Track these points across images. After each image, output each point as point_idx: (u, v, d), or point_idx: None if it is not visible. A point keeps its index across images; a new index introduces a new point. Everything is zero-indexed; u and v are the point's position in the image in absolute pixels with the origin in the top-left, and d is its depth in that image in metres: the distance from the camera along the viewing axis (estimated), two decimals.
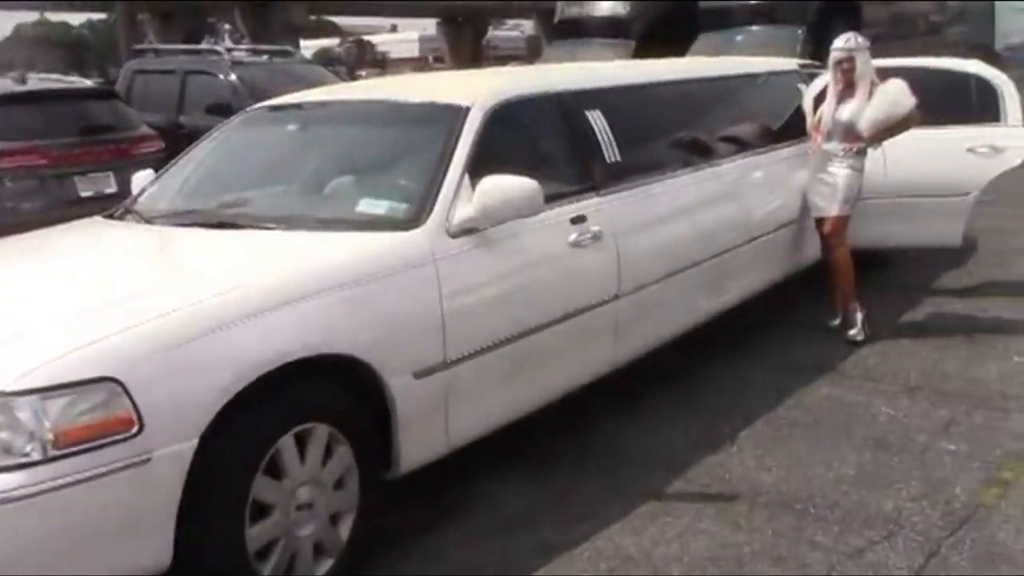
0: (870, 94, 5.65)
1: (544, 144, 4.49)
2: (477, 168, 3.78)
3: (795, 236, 5.96)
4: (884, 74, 5.76)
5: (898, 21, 13.80)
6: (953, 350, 5.49)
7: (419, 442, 3.51)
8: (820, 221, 5.88)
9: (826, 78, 5.95)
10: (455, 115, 3.97)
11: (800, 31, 11.90)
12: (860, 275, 5.91)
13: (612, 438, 4.46)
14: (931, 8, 15.21)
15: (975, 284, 6.91)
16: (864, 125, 5.64)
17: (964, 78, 6.46)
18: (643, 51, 12.77)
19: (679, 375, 5.16)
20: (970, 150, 6.14)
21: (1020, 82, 15.14)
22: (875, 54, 5.94)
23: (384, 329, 3.31)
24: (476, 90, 4.22)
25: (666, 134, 5.32)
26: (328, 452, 3.21)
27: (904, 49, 10.85)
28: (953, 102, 6.33)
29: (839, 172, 5.73)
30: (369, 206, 3.79)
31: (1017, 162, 6.14)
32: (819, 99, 5.95)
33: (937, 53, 10.47)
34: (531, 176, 3.76)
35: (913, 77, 5.80)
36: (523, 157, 4.22)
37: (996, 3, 16.17)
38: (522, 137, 4.33)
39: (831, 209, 5.77)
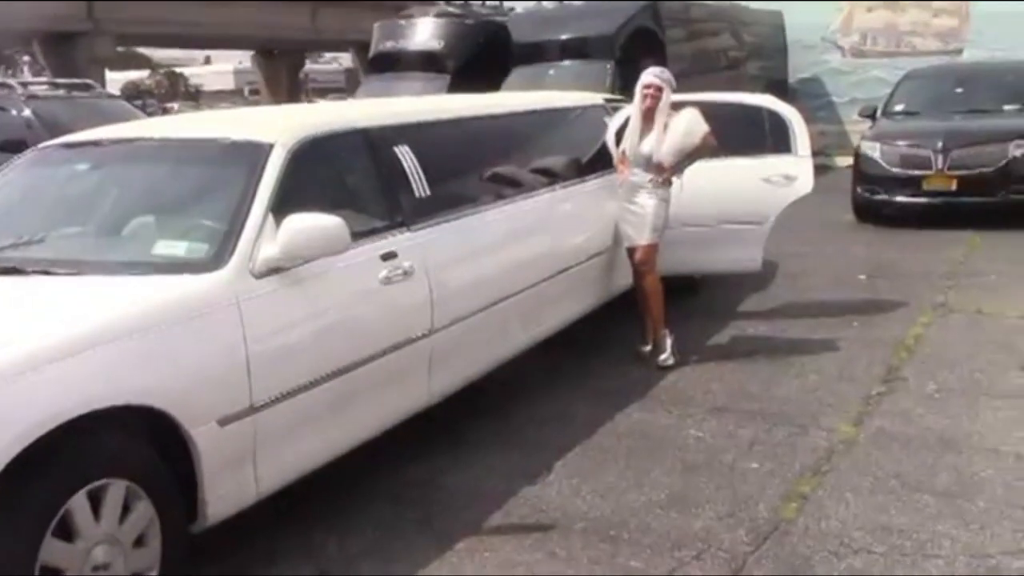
0: (665, 127, 5.89)
1: (352, 181, 4.45)
2: (282, 207, 3.71)
3: (607, 265, 6.14)
4: (683, 107, 6.01)
5: (701, 57, 14.47)
6: (756, 370, 5.77)
7: (227, 491, 3.39)
8: (631, 250, 6.07)
9: (628, 111, 6.16)
10: (258, 153, 3.89)
11: (608, 66, 12.30)
12: (670, 301, 6.13)
13: (430, 474, 4.43)
14: (731, 45, 16.04)
15: (775, 306, 7.30)
16: (663, 156, 5.87)
17: (758, 111, 6.83)
18: (458, 85, 12.93)
19: (497, 407, 5.20)
20: (765, 179, 6.49)
21: (813, 112, 16.17)
22: (681, 89, 6.22)
23: (184, 376, 3.19)
24: (280, 127, 4.16)
25: (478, 168, 5.38)
26: (127, 508, 3.06)
27: (707, 83, 11.44)
28: (749, 134, 6.68)
29: (647, 203, 5.94)
30: (167, 248, 3.66)
31: (808, 190, 6.52)
32: (621, 132, 6.15)
33: (738, 88, 11.10)
34: (340, 213, 3.74)
35: (712, 111, 6.08)
36: (330, 194, 4.18)
37: (788, 40, 17.24)
38: (329, 174, 4.28)
39: (641, 238, 5.97)
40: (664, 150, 5.86)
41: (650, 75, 5.98)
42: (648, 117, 5.92)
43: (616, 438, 4.82)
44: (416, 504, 4.15)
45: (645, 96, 5.92)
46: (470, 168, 5.31)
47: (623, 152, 6.04)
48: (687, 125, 5.86)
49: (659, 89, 5.90)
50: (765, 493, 4.13)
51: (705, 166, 6.05)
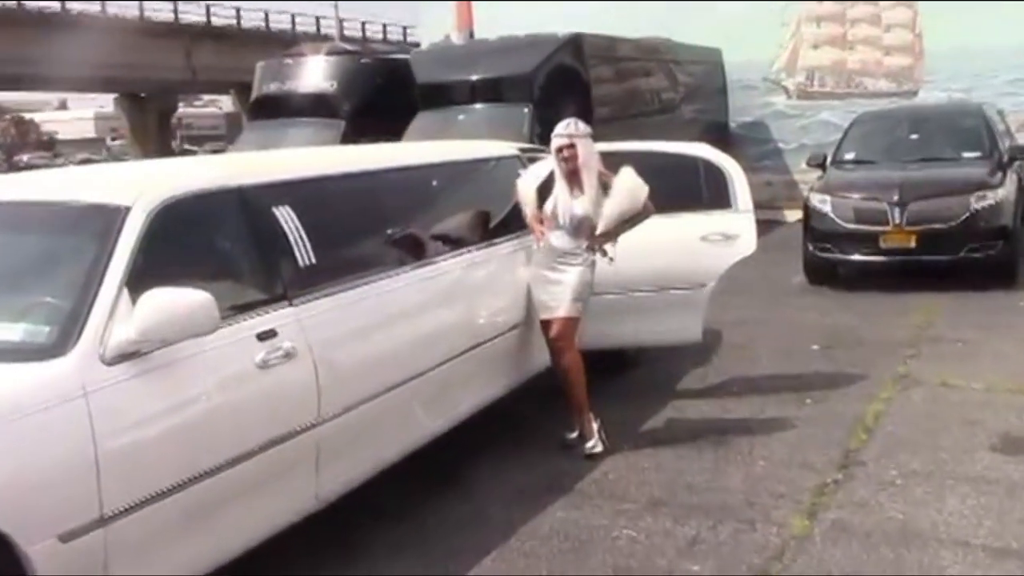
0: (606, 187, 5.97)
1: (224, 248, 4.43)
2: (140, 280, 3.68)
3: (524, 339, 6.15)
4: (609, 159, 6.12)
5: (630, 99, 14.78)
6: (698, 458, 5.82)
7: None
8: (546, 323, 6.06)
9: (547, 165, 6.24)
10: (112, 217, 3.85)
11: (526, 110, 12.49)
12: (599, 379, 6.17)
13: None
14: (664, 85, 16.44)
15: (719, 382, 7.40)
16: (605, 220, 5.95)
17: (693, 163, 6.98)
18: (355, 132, 13.01)
19: (401, 509, 5.15)
20: (703, 239, 6.62)
21: (758, 160, 16.52)
22: (609, 135, 6.31)
23: (18, 485, 3.11)
24: (139, 186, 4.11)
25: (374, 231, 5.39)
26: None
27: (637, 129, 11.67)
28: (683, 188, 6.82)
29: (570, 269, 5.99)
30: (1, 331, 3.58)
31: (751, 249, 6.67)
32: (543, 189, 6.17)
33: (672, 134, 11.33)
34: (209, 287, 3.73)
35: (641, 162, 6.18)
36: (198, 265, 4.15)
37: (728, 80, 17.75)
38: (196, 241, 4.26)
39: (559, 309, 5.98)
40: (607, 214, 5.95)
41: (560, 137, 6.00)
42: (573, 174, 6.00)
43: (538, 541, 4.80)
44: None
45: (564, 160, 5.97)
46: (365, 231, 5.31)
47: (550, 213, 6.03)
48: (632, 186, 5.95)
49: (573, 146, 5.96)
50: None
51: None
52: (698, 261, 6.66)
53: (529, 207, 6.20)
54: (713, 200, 6.77)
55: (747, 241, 6.64)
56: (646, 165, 6.18)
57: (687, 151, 7.19)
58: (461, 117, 12.86)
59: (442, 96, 13.27)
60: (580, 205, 5.95)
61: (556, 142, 6.02)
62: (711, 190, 6.82)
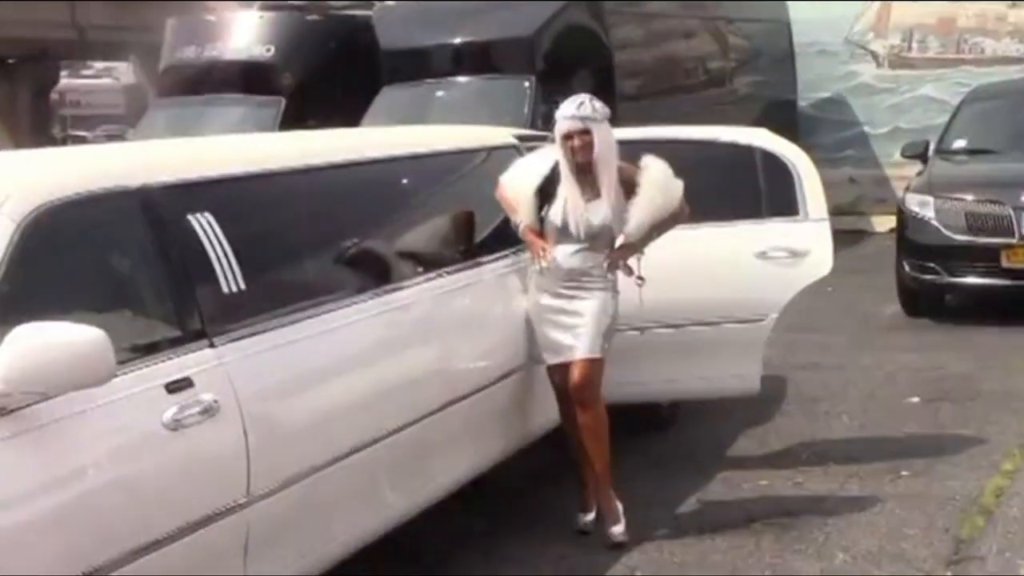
0: (629, 185, 6.00)
1: (121, 270, 4.45)
2: (6, 313, 3.68)
3: (522, 390, 6.19)
4: (633, 150, 6.14)
5: (665, 70, 14.82)
6: (755, 549, 5.82)
7: None
8: (561, 368, 6.07)
9: (549, 156, 6.23)
10: None
11: (528, 84, 12.52)
12: (625, 444, 6.19)
13: None
14: (711, 51, 16.47)
15: (784, 447, 7.43)
16: (633, 229, 6.01)
17: (748, 154, 7.02)
18: (299, 113, 13.05)
19: None
20: (762, 256, 6.65)
21: (836, 149, 16.42)
22: (637, 117, 6.31)
23: None
24: (5, 187, 4.12)
25: (323, 247, 5.43)
26: None
27: (675, 109, 11.71)
28: (735, 189, 6.87)
29: (589, 295, 6.01)
30: None
31: (826, 270, 6.68)
32: (545, 188, 6.13)
33: (721, 115, 11.36)
34: (101, 322, 3.72)
35: (678, 153, 6.23)
36: (86, 293, 4.16)
37: (797, 44, 17.73)
38: (84, 261, 4.25)
39: (578, 349, 5.98)
40: (639, 219, 5.99)
41: (569, 120, 5.98)
42: (585, 170, 6.00)
43: None
44: None
45: (572, 150, 5.96)
46: (312, 247, 5.35)
47: (559, 222, 5.99)
48: (663, 182, 6.00)
49: (586, 132, 5.95)
50: None
51: (671, 238, 6.17)
52: (755, 286, 6.71)
53: (525, 213, 6.14)
54: (775, 204, 6.81)
55: (820, 259, 6.68)
56: (685, 157, 6.24)
57: (740, 139, 7.24)
58: (440, 94, 12.96)
59: (415, 66, 13.35)
60: (598, 211, 5.97)
61: (564, 126, 6.01)
62: (772, 191, 6.86)
